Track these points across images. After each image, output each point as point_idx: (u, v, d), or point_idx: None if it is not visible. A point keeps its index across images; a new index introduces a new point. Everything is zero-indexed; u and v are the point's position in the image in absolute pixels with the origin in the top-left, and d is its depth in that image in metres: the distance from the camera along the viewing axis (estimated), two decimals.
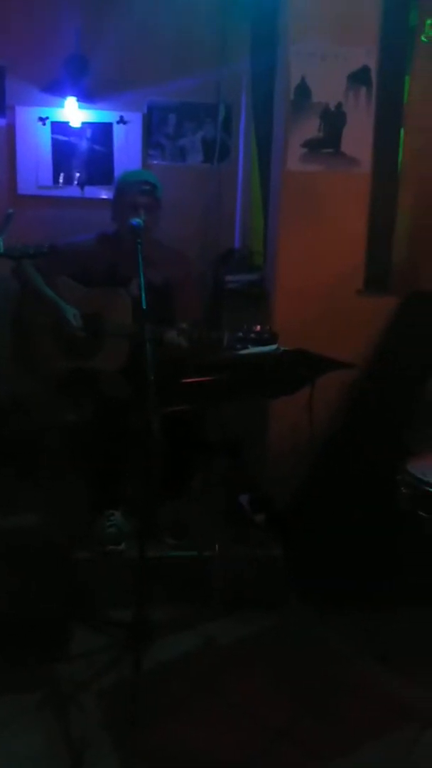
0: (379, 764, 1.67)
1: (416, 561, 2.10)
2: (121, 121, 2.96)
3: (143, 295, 1.93)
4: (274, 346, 1.92)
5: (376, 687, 1.95)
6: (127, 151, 2.98)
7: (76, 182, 2.97)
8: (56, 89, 2.84)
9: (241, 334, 2.12)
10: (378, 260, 2.63)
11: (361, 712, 1.86)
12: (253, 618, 2.22)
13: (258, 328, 2.15)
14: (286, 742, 1.74)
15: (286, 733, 1.76)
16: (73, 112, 2.86)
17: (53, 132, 2.91)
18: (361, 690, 1.95)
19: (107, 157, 2.97)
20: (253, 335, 2.14)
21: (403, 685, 1.94)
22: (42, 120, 2.89)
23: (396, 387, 2.49)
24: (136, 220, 2.26)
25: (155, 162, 3.00)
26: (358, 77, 2.46)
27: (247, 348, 1.98)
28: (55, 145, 2.92)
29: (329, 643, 2.14)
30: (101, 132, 2.96)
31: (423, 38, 2.59)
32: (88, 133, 2.95)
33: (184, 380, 1.97)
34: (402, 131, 2.60)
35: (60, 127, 2.91)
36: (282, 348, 1.93)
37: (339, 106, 2.46)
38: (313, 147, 2.46)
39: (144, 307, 1.92)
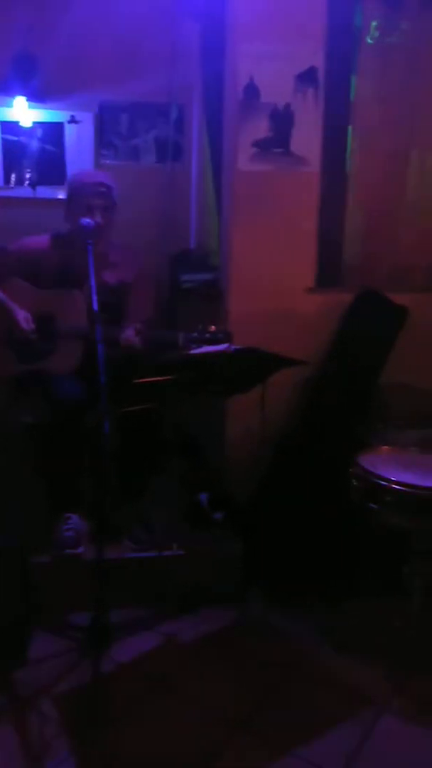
0: (337, 750, 1.70)
1: (370, 552, 2.16)
2: (73, 120, 2.94)
3: (94, 296, 1.94)
4: (225, 345, 1.94)
5: (334, 676, 1.99)
6: (79, 150, 2.96)
7: (27, 182, 2.94)
8: (4, 89, 2.80)
9: (195, 334, 2.14)
10: (329, 258, 2.67)
11: (320, 701, 1.89)
12: (213, 615, 2.24)
13: (212, 327, 2.17)
14: (246, 733, 1.76)
15: (246, 725, 1.78)
16: (22, 112, 2.83)
17: (3, 132, 2.87)
18: (319, 680, 1.98)
19: (59, 156, 2.95)
20: (207, 335, 2.16)
21: (360, 674, 1.98)
22: None
23: (349, 382, 2.54)
24: (86, 221, 2.25)
25: (108, 162, 2.99)
26: (306, 78, 2.49)
27: (200, 348, 1.99)
28: (5, 145, 2.89)
29: (288, 635, 2.17)
30: (52, 132, 2.94)
31: (369, 39, 2.65)
32: (39, 132, 2.92)
33: (137, 381, 1.97)
34: (349, 131, 2.65)
35: (9, 127, 2.87)
36: (233, 347, 1.95)
37: (287, 106, 2.48)
38: (263, 147, 2.49)
39: (95, 308, 1.93)
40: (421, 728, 1.79)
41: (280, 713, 1.84)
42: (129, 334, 2.23)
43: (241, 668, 2.02)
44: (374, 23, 2.62)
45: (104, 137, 2.98)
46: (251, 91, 2.46)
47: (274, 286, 2.60)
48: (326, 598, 2.25)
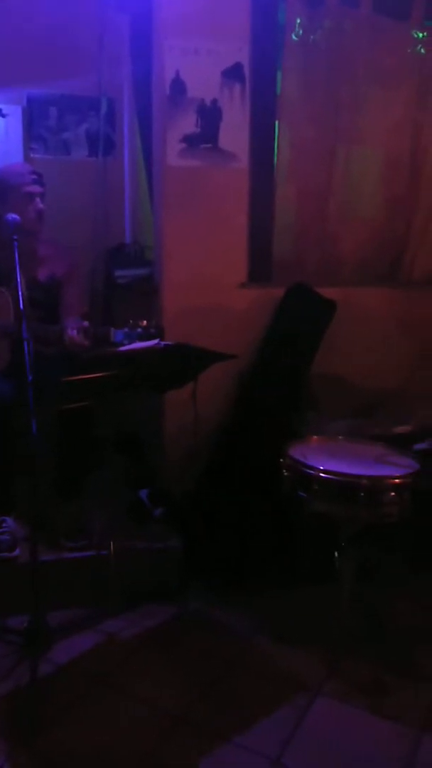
0: (274, 735, 1.74)
1: (305, 541, 2.21)
2: (0, 113, 2.87)
3: (20, 293, 1.91)
4: (154, 341, 1.94)
5: (271, 664, 2.03)
6: (8, 144, 2.89)
7: None
8: None
9: (127, 329, 2.13)
10: (260, 253, 2.70)
11: (257, 690, 1.93)
12: (153, 611, 2.25)
13: (144, 323, 2.17)
14: (185, 726, 1.78)
15: (185, 718, 1.81)
16: None
17: None
18: (257, 668, 2.02)
19: None
20: (140, 330, 2.15)
21: (297, 660, 2.03)
22: None
23: (281, 375, 2.58)
24: (12, 216, 2.21)
25: (38, 156, 2.92)
26: (232, 73, 2.51)
27: (130, 344, 1.99)
28: None
29: (228, 627, 2.20)
30: None
31: (294, 36, 2.69)
32: None
33: (68, 378, 1.96)
34: (276, 126, 2.68)
35: None
36: (163, 342, 1.95)
37: (215, 101, 2.50)
38: (191, 142, 2.50)
39: (21, 305, 1.90)
40: (353, 708, 1.85)
41: (220, 704, 1.87)
42: (72, 334, 2.19)
43: (181, 662, 2.04)
44: (298, 20, 2.66)
45: (33, 131, 2.92)
46: (178, 86, 2.46)
47: (207, 281, 2.62)
48: (265, 589, 2.29)
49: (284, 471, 1.98)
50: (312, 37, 2.71)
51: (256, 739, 1.73)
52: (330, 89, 2.71)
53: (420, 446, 2.03)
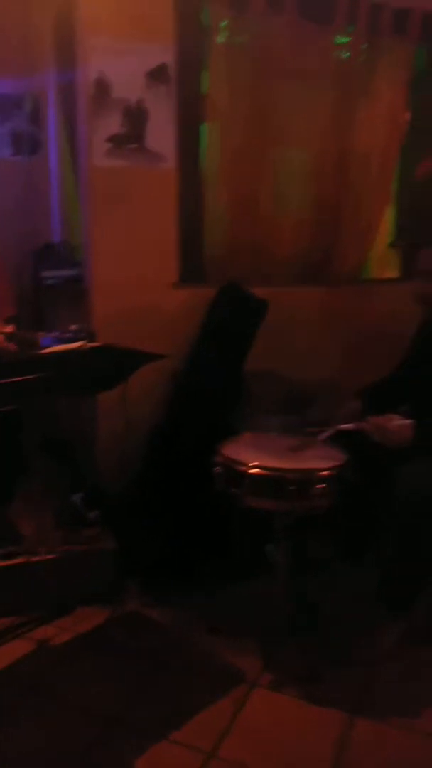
0: (210, 729, 1.76)
1: (237, 535, 2.24)
2: None
3: None
4: (79, 343, 1.92)
5: (207, 660, 2.05)
6: None
7: None
8: None
9: (56, 334, 2.11)
10: (191, 253, 2.72)
11: (193, 686, 1.94)
12: (88, 614, 2.23)
13: (73, 326, 2.15)
14: (120, 727, 1.77)
15: (119, 719, 1.80)
16: None
17: None
18: (195, 664, 2.04)
19: None
20: (69, 334, 2.13)
21: (233, 654, 2.05)
22: None
23: (215, 373, 2.60)
24: None
25: None
26: (157, 74, 2.51)
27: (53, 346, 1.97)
28: None
29: (165, 626, 2.21)
30: None
31: (219, 39, 2.71)
32: None
33: None
34: (204, 128, 2.70)
35: None
36: (89, 344, 1.94)
37: (140, 102, 2.50)
38: (117, 142, 2.48)
39: None
40: (288, 697, 1.88)
41: (156, 703, 1.87)
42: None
43: (116, 664, 2.03)
44: (223, 23, 2.69)
45: None
46: (102, 86, 2.44)
47: (138, 281, 2.61)
48: (201, 586, 2.31)
49: (217, 468, 2.00)
50: (238, 40, 2.75)
51: (191, 735, 1.74)
52: (257, 91, 2.74)
53: (324, 435, 2.08)
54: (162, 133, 2.55)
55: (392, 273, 3.31)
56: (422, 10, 2.81)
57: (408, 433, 1.93)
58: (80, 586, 2.26)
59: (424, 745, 1.72)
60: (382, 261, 3.37)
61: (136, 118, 2.50)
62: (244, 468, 1.90)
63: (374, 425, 1.98)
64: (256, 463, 1.89)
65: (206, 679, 1.97)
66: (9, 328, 2.14)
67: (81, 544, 2.32)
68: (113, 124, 2.48)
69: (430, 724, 1.78)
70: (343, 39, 2.85)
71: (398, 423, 1.95)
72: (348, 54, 2.87)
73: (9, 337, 2.11)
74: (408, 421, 1.94)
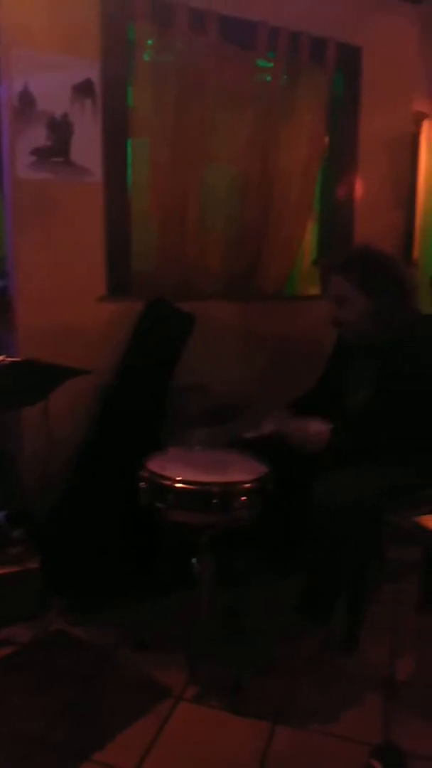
0: (134, 746, 1.75)
1: (163, 550, 2.25)
2: None
3: None
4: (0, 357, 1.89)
5: (132, 676, 2.04)
6: None
7: None
8: None
9: None
10: (118, 267, 2.72)
11: (118, 703, 1.93)
12: (13, 634, 2.18)
13: None
14: (43, 748, 1.74)
15: (43, 740, 1.77)
16: None
17: None
18: (118, 681, 2.03)
19: None
20: None
21: (159, 669, 2.06)
22: None
23: (142, 387, 2.61)
24: None
25: None
26: (82, 89, 2.52)
27: None
28: None
29: (89, 643, 2.19)
30: None
31: (145, 57, 2.75)
32: None
33: None
34: (130, 143, 2.72)
35: None
36: (9, 359, 1.91)
37: (65, 116, 2.49)
38: (42, 155, 2.46)
39: None
40: (213, 710, 1.91)
41: (80, 722, 1.85)
42: None
43: (40, 684, 1.99)
44: (149, 41, 2.73)
45: None
46: (27, 98, 2.42)
47: (64, 295, 2.59)
48: (127, 601, 2.30)
49: (142, 483, 2.00)
50: (163, 58, 2.79)
51: (115, 753, 1.73)
52: (182, 109, 2.79)
53: (249, 434, 2.14)
54: (88, 147, 2.55)
55: (316, 290, 3.43)
56: (336, 40, 2.95)
57: (325, 438, 2.00)
58: (4, 606, 2.20)
59: (342, 749, 1.77)
60: (307, 278, 3.49)
61: (61, 131, 2.49)
62: (168, 482, 1.92)
63: (295, 428, 2.05)
64: (179, 478, 1.91)
65: (131, 696, 1.96)
66: None
67: (5, 563, 2.27)
68: (38, 137, 2.45)
69: (348, 728, 1.84)
70: (264, 63, 2.95)
71: (317, 427, 2.03)
72: (269, 78, 2.97)
73: None
74: (326, 427, 2.02)
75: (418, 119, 3.97)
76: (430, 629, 2.31)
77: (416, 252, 4.15)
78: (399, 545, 2.48)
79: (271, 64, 2.94)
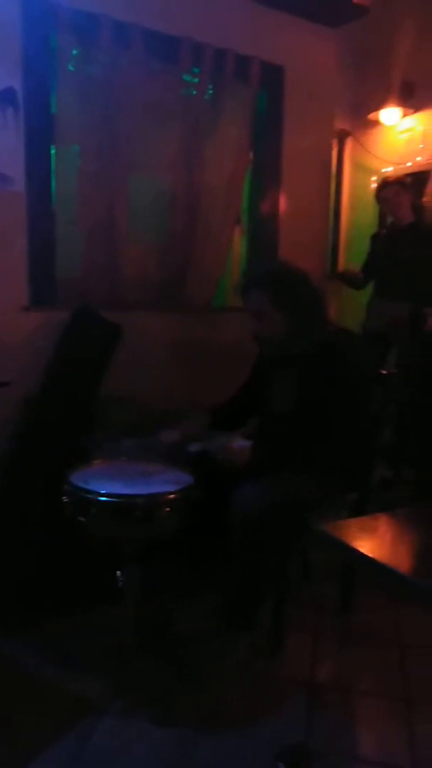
0: (56, 762, 1.72)
1: (88, 564, 2.23)
2: None
3: None
4: None
5: (57, 693, 2.00)
6: None
7: None
8: None
9: None
10: (42, 277, 2.69)
11: (42, 721, 1.89)
12: None
13: None
14: None
15: None
16: None
17: None
18: (42, 700, 1.98)
19: None
20: None
21: (84, 684, 2.02)
22: None
23: (68, 398, 2.59)
24: None
25: None
26: (5, 97, 2.48)
27: None
28: None
29: (14, 662, 2.13)
30: None
31: (70, 66, 2.73)
32: None
33: None
34: (54, 152, 2.70)
35: None
36: None
37: None
38: None
39: None
40: (138, 722, 1.89)
41: (1, 744, 1.80)
42: None
43: None
44: (74, 52, 2.72)
45: None
46: None
47: None
48: (53, 617, 2.26)
49: (64, 497, 1.98)
50: (88, 69, 2.79)
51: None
52: (108, 120, 2.80)
53: (194, 447, 2.16)
54: (10, 156, 2.52)
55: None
56: (260, 58, 3.04)
57: (248, 452, 2.05)
58: None
59: (265, 755, 1.80)
60: (235, 289, 3.54)
61: None
62: (91, 496, 1.90)
63: (218, 446, 2.08)
64: (103, 491, 1.90)
65: (55, 713, 1.92)
66: None
67: None
68: None
69: (271, 732, 1.88)
70: (191, 78, 3.00)
71: (240, 444, 2.07)
72: (195, 92, 3.02)
73: None
74: (248, 443, 2.06)
75: (342, 137, 4.14)
76: (350, 632, 2.39)
77: (342, 265, 4.30)
78: (322, 549, 2.55)
79: (197, 80, 3.00)
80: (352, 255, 4.15)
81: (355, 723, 1.94)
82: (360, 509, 2.25)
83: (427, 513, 1.40)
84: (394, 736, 1.86)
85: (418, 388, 3.14)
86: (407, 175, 3.82)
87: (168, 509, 1.93)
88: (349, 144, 4.16)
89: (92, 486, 1.94)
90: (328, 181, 3.63)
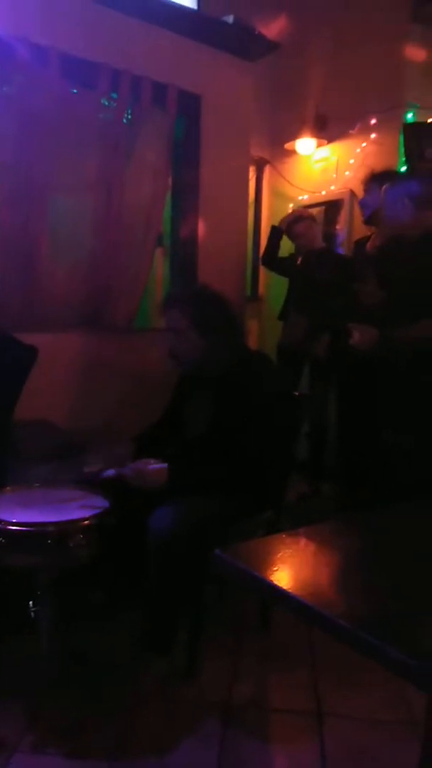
0: None
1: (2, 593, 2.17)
2: None
3: None
4: None
5: None
6: None
7: None
8: None
9: None
10: None
11: None
12: None
13: None
14: None
15: None
16: None
17: None
18: None
19: None
20: None
21: None
22: None
23: None
24: None
25: None
26: None
27: None
28: None
29: None
30: None
31: None
32: None
33: None
34: None
35: None
36: None
37: None
38: None
39: None
40: (50, 757, 1.85)
41: None
42: None
43: None
44: None
45: None
46: None
47: None
48: None
49: None
50: (6, 89, 2.76)
51: None
52: (27, 141, 2.77)
53: (109, 472, 2.14)
54: None
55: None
56: (178, 86, 3.11)
57: (163, 475, 2.06)
58: None
59: None
60: (157, 311, 3.56)
61: None
62: (1, 525, 1.86)
63: (132, 470, 2.08)
64: (13, 519, 1.86)
65: None
66: None
67: None
68: None
69: (185, 756, 1.88)
70: (107, 103, 3.02)
71: (154, 467, 2.08)
72: (113, 116, 3.04)
73: None
74: (163, 465, 2.08)
75: (261, 165, 4.28)
76: (267, 650, 2.43)
77: (261, 288, 4.43)
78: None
79: (115, 104, 3.03)
80: (271, 279, 4.28)
81: (269, 741, 1.98)
82: (275, 527, 2.30)
83: (325, 529, 1.45)
84: (305, 752, 1.91)
85: (343, 402, 3.19)
86: (322, 203, 4.00)
87: (81, 536, 1.91)
88: (267, 171, 4.31)
89: (2, 515, 1.89)
90: (246, 206, 3.73)
